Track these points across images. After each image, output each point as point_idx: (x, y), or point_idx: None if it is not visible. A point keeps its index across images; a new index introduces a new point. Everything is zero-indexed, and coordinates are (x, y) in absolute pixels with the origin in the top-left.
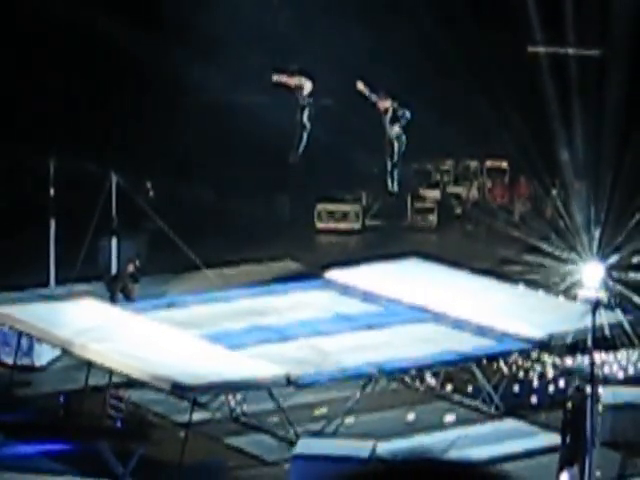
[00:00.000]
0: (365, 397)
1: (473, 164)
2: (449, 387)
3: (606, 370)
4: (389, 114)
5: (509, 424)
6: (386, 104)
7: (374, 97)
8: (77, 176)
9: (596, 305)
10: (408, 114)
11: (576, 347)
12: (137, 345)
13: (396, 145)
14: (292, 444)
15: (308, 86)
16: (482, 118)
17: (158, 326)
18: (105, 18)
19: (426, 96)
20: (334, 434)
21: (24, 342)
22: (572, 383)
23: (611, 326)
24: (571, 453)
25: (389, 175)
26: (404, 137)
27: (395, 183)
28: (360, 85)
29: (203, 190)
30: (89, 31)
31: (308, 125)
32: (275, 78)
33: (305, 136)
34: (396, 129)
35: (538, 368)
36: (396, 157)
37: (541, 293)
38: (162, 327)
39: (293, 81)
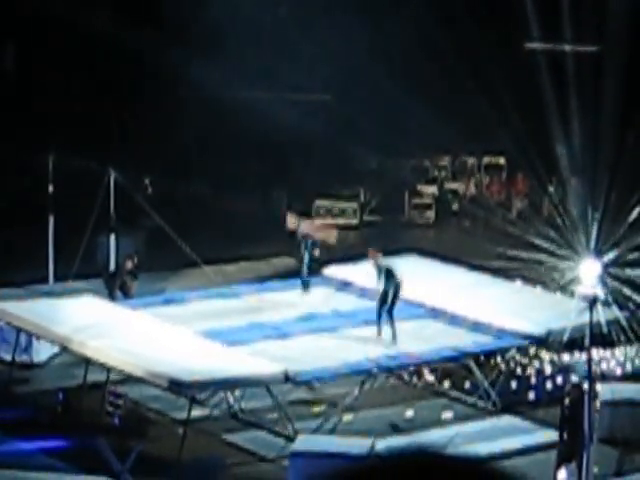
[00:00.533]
0: (363, 394)
1: (470, 160)
2: (447, 383)
3: (604, 367)
4: (383, 272)
5: (507, 420)
6: (378, 258)
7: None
8: (76, 173)
9: (593, 302)
10: (399, 279)
11: (574, 344)
12: (135, 342)
13: (390, 296)
14: (291, 441)
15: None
16: (480, 115)
17: (156, 323)
18: (105, 17)
19: (424, 93)
20: (333, 431)
21: (23, 339)
22: (570, 379)
23: (608, 323)
24: (569, 449)
25: (377, 321)
26: (400, 291)
27: (382, 329)
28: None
29: (201, 187)
30: (89, 30)
31: (306, 270)
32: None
33: (306, 270)
34: (394, 281)
35: (536, 364)
36: (388, 306)
37: (539, 289)
38: (160, 324)
39: (291, 220)
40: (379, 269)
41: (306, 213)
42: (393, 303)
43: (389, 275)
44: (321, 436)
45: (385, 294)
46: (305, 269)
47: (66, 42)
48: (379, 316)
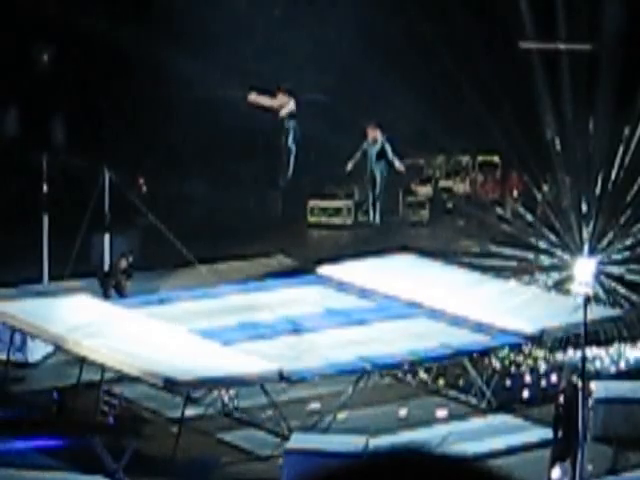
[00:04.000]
0: (358, 392)
1: (465, 159)
2: (441, 382)
3: (598, 364)
4: (377, 146)
5: (501, 419)
6: (375, 134)
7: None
8: (70, 172)
9: (587, 300)
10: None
11: (568, 342)
12: (130, 341)
13: (378, 178)
14: (285, 439)
15: (291, 106)
16: (474, 113)
17: (151, 322)
18: (95, 14)
19: (417, 91)
20: (327, 429)
21: (17, 338)
22: (564, 378)
23: (602, 320)
24: (563, 448)
25: (371, 207)
26: (386, 172)
27: (377, 215)
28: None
29: (196, 186)
30: (81, 28)
31: (294, 148)
32: (252, 98)
33: (292, 160)
34: (382, 163)
35: (530, 363)
36: (378, 189)
37: (533, 288)
38: (155, 323)
39: (275, 102)
40: (375, 145)
41: (287, 91)
42: (381, 184)
43: (381, 153)
44: (315, 434)
45: (374, 176)
46: (291, 155)
47: (58, 39)
48: (375, 200)
